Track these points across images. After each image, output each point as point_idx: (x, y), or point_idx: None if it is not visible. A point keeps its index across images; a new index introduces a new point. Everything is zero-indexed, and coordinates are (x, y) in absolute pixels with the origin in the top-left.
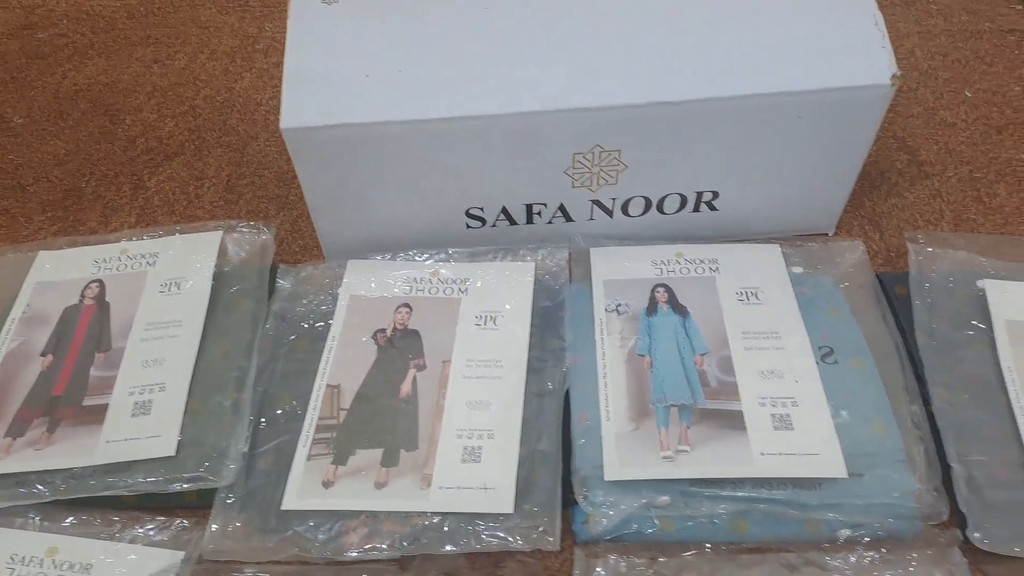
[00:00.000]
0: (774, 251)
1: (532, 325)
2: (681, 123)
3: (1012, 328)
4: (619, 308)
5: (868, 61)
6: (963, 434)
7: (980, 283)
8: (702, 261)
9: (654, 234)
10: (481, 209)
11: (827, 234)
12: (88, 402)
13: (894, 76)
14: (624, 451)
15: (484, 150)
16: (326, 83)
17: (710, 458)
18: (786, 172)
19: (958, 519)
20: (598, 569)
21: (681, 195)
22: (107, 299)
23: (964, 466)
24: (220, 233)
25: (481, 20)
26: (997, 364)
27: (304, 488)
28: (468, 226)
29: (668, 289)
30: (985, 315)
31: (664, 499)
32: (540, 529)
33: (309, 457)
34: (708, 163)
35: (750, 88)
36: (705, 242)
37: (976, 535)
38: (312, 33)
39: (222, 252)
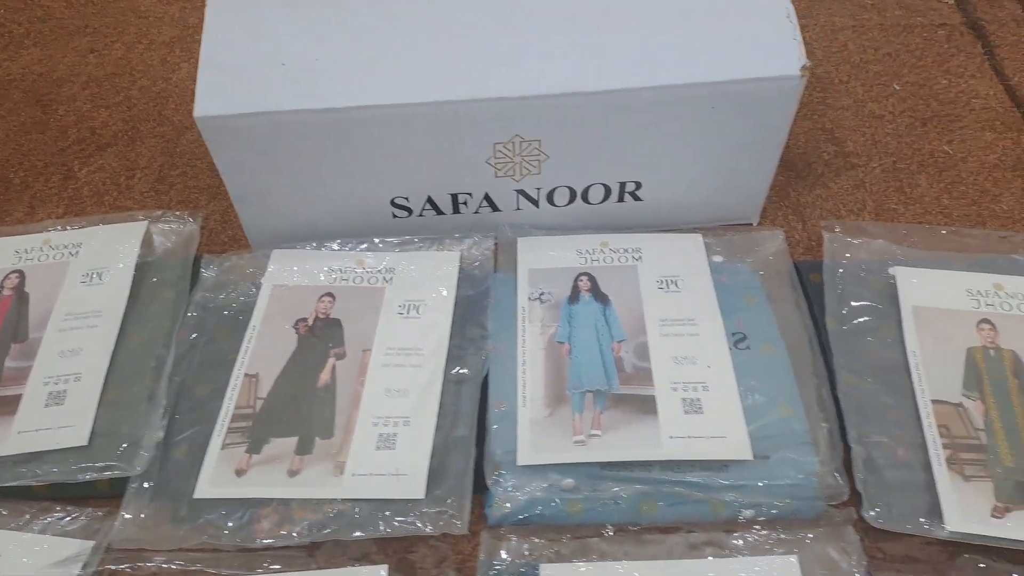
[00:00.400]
0: (696, 240)
1: (455, 314)
2: (598, 113)
3: (919, 314)
4: (542, 296)
5: (779, 53)
6: (865, 417)
7: (891, 270)
8: (626, 250)
9: (582, 224)
10: (406, 199)
11: (751, 224)
12: (1, 392)
13: (803, 67)
14: (538, 436)
15: (403, 139)
16: (242, 71)
17: (620, 442)
18: (706, 162)
19: (857, 499)
20: (502, 552)
21: (605, 185)
22: (26, 289)
23: (864, 447)
24: (145, 223)
25: (400, 9)
26: (903, 349)
27: (217, 477)
28: (394, 216)
29: (591, 278)
30: (894, 301)
31: (568, 482)
32: (449, 514)
33: (223, 446)
34: (629, 153)
35: (663, 79)
36: (632, 232)
37: (870, 514)
38: (229, 21)
39: (147, 242)
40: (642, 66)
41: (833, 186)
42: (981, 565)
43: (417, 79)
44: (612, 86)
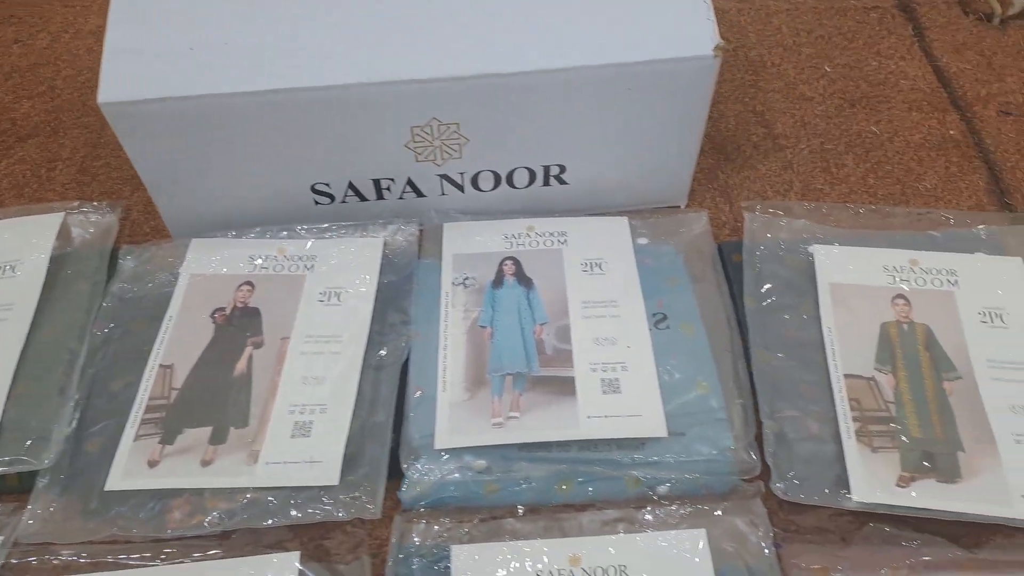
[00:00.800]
0: (622, 223)
1: (377, 300)
2: (515, 95)
3: (836, 291)
4: (466, 281)
5: (692, 33)
6: (778, 392)
7: (810, 248)
8: (552, 234)
9: (510, 208)
10: (327, 185)
11: (680, 206)
12: None
13: (717, 47)
14: (456, 420)
15: (317, 124)
16: (149, 56)
17: (539, 423)
18: (629, 145)
19: (769, 473)
20: (413, 535)
21: (529, 169)
22: None
23: (776, 422)
24: (61, 215)
25: None
26: (820, 325)
27: (128, 468)
28: (316, 202)
29: (516, 262)
30: (813, 279)
31: (480, 463)
32: (362, 499)
33: (136, 438)
34: (550, 136)
35: (577, 60)
36: (560, 215)
37: (778, 486)
38: (136, 5)
39: (64, 234)
40: (556, 47)
41: (761, 168)
42: (886, 530)
43: (329, 62)
44: (526, 67)
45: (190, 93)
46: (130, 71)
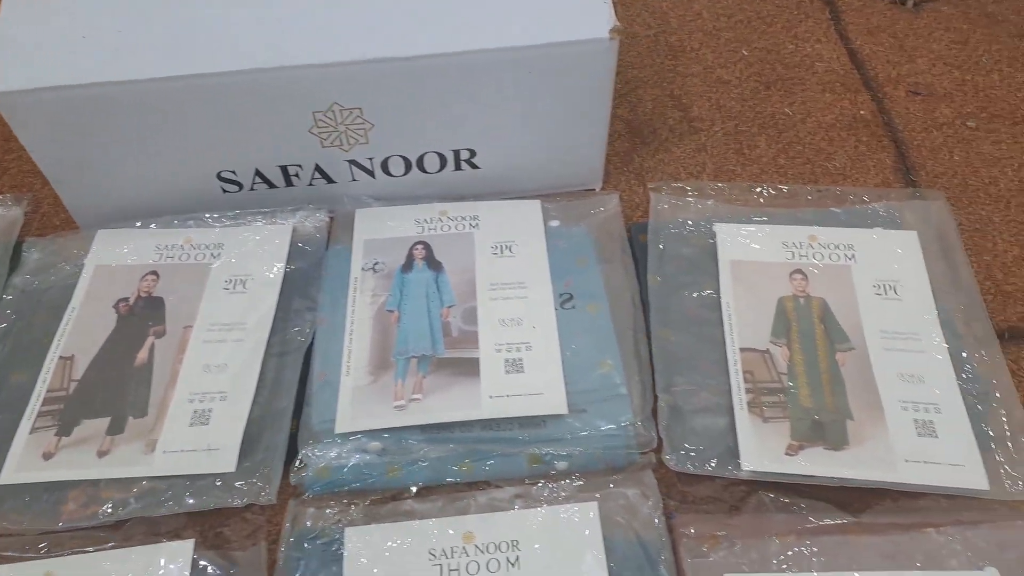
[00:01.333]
0: (534, 206)
1: (284, 287)
2: (414, 79)
3: (736, 268)
4: (375, 266)
5: (589, 16)
6: (675, 368)
7: (714, 227)
8: (463, 218)
9: (426, 193)
10: (233, 173)
11: (594, 189)
12: None
13: (613, 30)
14: (358, 404)
15: (216, 111)
16: (41, 45)
17: (441, 404)
18: (536, 129)
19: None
20: (307, 520)
21: (439, 154)
22: None
23: (671, 396)
24: None
25: None
26: (719, 302)
27: (23, 462)
28: (224, 190)
29: (427, 246)
30: (715, 257)
31: (375, 444)
32: (258, 485)
33: (32, 430)
34: (456, 121)
35: (474, 44)
36: (475, 200)
37: (668, 458)
38: None
39: None
40: (454, 31)
41: (676, 151)
42: (775, 498)
43: (225, 48)
44: (422, 51)
45: (83, 81)
46: (22, 60)
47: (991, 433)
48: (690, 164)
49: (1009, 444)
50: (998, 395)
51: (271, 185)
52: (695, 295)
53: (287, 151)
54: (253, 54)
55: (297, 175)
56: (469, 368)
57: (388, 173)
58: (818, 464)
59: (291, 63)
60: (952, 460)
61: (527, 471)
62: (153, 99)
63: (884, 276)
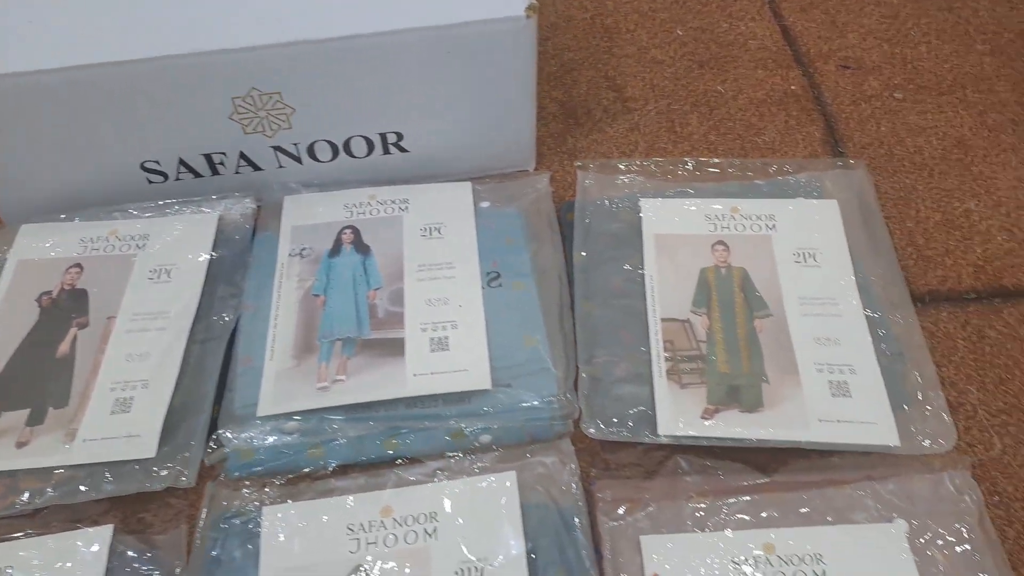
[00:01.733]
0: (464, 188)
1: (209, 275)
2: (332, 62)
3: (660, 241)
4: (303, 252)
5: None
6: (597, 340)
7: (639, 202)
8: (394, 202)
9: (357, 179)
10: (157, 163)
11: (527, 171)
12: None
13: (529, 8)
14: (280, 387)
15: (131, 99)
16: None
17: (365, 385)
18: (462, 110)
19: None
20: (223, 501)
21: (365, 138)
22: None
23: (592, 367)
24: None
25: None
26: (643, 275)
27: None
28: (149, 181)
29: (355, 230)
30: (639, 231)
31: (296, 425)
32: (177, 469)
33: None
34: (380, 103)
35: (389, 25)
36: (403, 184)
37: (587, 426)
38: None
39: None
40: (370, 12)
41: (609, 130)
42: (691, 461)
43: (139, 35)
44: (335, 33)
45: None
46: None
47: (904, 392)
48: (623, 143)
49: (921, 401)
50: (912, 356)
51: (197, 174)
52: (619, 269)
53: (209, 139)
54: (166, 40)
55: (222, 163)
56: (394, 348)
57: (315, 159)
58: (733, 426)
59: (205, 48)
60: (865, 418)
61: (451, 446)
62: (66, 89)
63: (804, 244)
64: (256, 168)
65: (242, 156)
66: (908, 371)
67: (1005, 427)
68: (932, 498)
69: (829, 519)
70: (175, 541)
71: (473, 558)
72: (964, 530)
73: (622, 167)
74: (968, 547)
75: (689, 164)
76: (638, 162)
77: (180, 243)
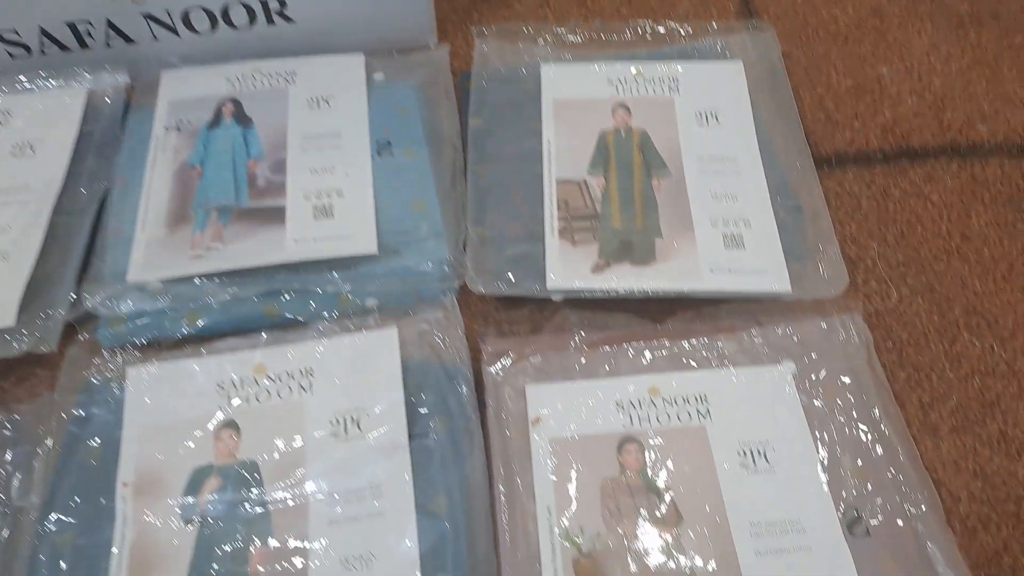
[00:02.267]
0: (356, 60)
1: (77, 150)
2: None
3: (559, 106)
4: (179, 125)
5: None
6: (489, 203)
7: (541, 68)
8: (279, 74)
9: (242, 55)
10: (16, 33)
11: (429, 46)
12: None
13: None
14: (151, 255)
15: None
16: None
17: (241, 252)
18: None
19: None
20: (86, 367)
21: (244, 4)
22: None
23: (482, 228)
24: None
25: None
26: (541, 139)
27: None
28: (11, 55)
29: (236, 103)
30: (539, 98)
31: (165, 290)
32: (37, 335)
33: None
34: None
35: None
36: (291, 56)
37: (473, 281)
38: None
39: None
40: None
41: (517, 6)
42: (576, 314)
43: None
44: None
45: None
46: None
47: (800, 244)
48: (532, 19)
49: (817, 252)
50: (811, 211)
51: (63, 47)
52: (517, 135)
53: (70, 5)
54: None
55: (90, 34)
56: (274, 216)
57: (193, 29)
58: (624, 279)
59: None
60: (757, 267)
61: (337, 310)
62: None
63: (707, 106)
64: (129, 40)
65: (110, 25)
66: (804, 224)
67: (903, 278)
68: (823, 342)
69: (714, 363)
70: (38, 410)
71: (350, 407)
72: (853, 370)
73: (525, 31)
74: (856, 386)
75: (596, 26)
76: (539, 26)
77: (45, 118)
